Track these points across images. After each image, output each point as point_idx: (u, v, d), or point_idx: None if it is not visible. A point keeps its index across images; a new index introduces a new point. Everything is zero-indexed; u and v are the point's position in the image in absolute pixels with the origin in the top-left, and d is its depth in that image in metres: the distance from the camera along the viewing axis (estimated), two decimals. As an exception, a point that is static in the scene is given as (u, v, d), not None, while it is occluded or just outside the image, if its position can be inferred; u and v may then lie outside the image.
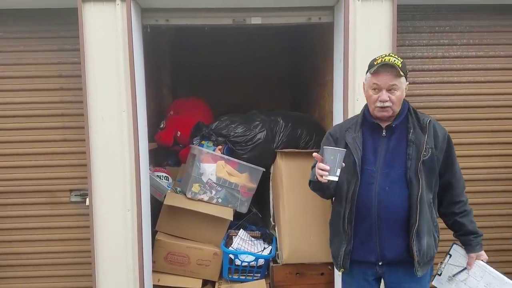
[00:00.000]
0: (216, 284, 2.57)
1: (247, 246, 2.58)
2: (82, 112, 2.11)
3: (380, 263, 1.57)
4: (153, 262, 2.51)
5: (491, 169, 2.51)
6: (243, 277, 2.54)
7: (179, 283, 2.54)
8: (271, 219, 2.76)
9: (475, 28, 2.48)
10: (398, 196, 1.53)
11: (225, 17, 2.26)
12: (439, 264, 1.68)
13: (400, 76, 1.49)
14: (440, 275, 1.66)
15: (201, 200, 2.63)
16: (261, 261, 2.52)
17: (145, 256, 2.20)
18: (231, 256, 2.49)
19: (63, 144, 2.39)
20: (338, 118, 2.27)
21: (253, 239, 2.74)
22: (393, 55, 1.53)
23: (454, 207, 1.61)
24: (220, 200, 2.66)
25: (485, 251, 2.54)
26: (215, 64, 4.04)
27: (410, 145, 1.54)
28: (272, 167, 2.78)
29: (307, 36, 3.50)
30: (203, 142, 2.86)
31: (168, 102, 3.69)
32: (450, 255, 1.65)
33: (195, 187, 2.61)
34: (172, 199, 2.60)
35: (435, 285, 1.65)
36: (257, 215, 2.99)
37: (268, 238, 2.76)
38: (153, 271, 2.48)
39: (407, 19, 2.45)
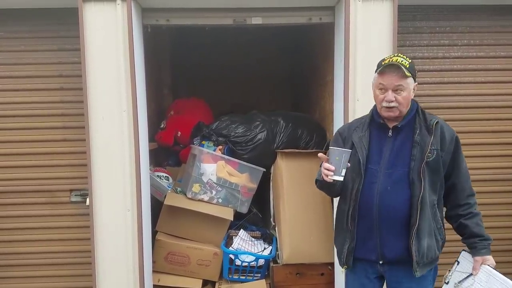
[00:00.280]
0: (216, 284, 2.56)
1: (247, 246, 2.58)
2: (83, 112, 2.11)
3: (380, 262, 1.58)
4: (153, 262, 2.51)
5: (492, 170, 2.52)
6: (243, 277, 2.53)
7: (179, 283, 2.54)
8: (272, 219, 2.76)
9: (476, 29, 2.48)
10: (399, 196, 1.53)
11: (225, 17, 2.26)
12: (447, 273, 1.64)
13: (407, 76, 1.48)
14: (447, 283, 1.62)
15: (201, 200, 2.63)
16: (261, 261, 2.51)
17: (145, 256, 2.20)
18: (231, 256, 2.49)
19: (63, 144, 2.39)
20: (338, 119, 2.27)
21: (253, 239, 2.74)
22: (401, 56, 1.53)
23: (459, 209, 1.59)
24: (220, 200, 2.66)
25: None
26: (215, 64, 4.04)
27: (415, 146, 1.53)
28: (272, 167, 2.78)
29: (307, 36, 3.50)
30: (203, 142, 2.86)
31: (168, 102, 3.69)
32: (458, 262, 1.62)
33: (196, 187, 2.61)
34: (173, 199, 2.60)
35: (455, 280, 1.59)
36: (258, 215, 2.99)
37: (268, 238, 2.76)
38: (153, 271, 2.48)
39: (407, 20, 2.44)
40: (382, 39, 2.13)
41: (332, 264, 2.43)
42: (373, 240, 1.57)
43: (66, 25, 2.30)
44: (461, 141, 2.43)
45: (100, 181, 2.12)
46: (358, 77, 2.12)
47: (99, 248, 2.15)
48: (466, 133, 2.50)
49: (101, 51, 2.08)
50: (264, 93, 4.15)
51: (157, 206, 2.65)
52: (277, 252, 2.56)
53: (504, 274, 2.57)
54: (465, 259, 1.60)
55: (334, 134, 1.79)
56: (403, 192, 1.52)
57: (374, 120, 1.63)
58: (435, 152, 1.51)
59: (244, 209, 2.75)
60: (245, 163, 2.70)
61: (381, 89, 1.53)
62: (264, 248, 2.62)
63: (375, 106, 1.65)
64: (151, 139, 2.82)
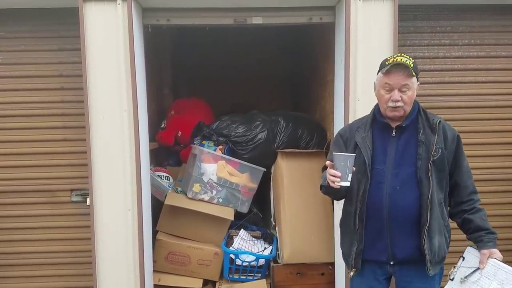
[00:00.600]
0: (217, 284, 2.57)
1: (247, 246, 2.58)
2: (83, 111, 2.11)
3: (391, 263, 1.57)
4: (154, 261, 2.51)
5: (493, 170, 2.51)
6: (244, 277, 2.54)
7: (180, 283, 2.54)
8: (272, 219, 2.76)
9: (477, 28, 2.48)
10: (409, 196, 1.53)
11: (226, 17, 2.25)
12: (451, 269, 1.62)
13: (412, 76, 1.50)
14: (452, 280, 1.58)
15: (201, 200, 2.63)
16: (261, 261, 2.51)
17: (145, 256, 2.20)
18: (232, 256, 2.49)
19: (63, 143, 2.39)
20: (339, 118, 2.26)
21: (253, 239, 2.74)
22: (404, 55, 1.53)
23: (463, 205, 1.60)
24: (220, 200, 2.66)
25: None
26: (216, 64, 4.04)
27: (420, 145, 1.54)
28: (273, 167, 2.78)
29: (308, 36, 3.50)
30: (204, 142, 2.86)
31: (169, 102, 3.69)
32: (463, 258, 1.60)
33: (196, 187, 2.61)
34: (173, 199, 2.60)
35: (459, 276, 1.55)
36: (258, 215, 2.99)
37: (268, 238, 2.76)
38: (154, 271, 2.48)
39: (408, 19, 2.44)
40: (383, 39, 2.13)
41: (332, 264, 2.43)
42: (383, 241, 1.55)
43: (67, 25, 2.30)
44: (462, 140, 2.46)
45: (100, 181, 2.12)
46: (358, 77, 2.12)
47: (100, 248, 2.15)
48: (467, 133, 2.49)
49: (101, 51, 2.08)
50: (265, 93, 4.14)
51: (157, 206, 2.65)
52: (278, 252, 2.56)
53: (505, 274, 2.58)
54: (471, 254, 1.57)
55: (334, 137, 1.77)
56: (412, 192, 1.53)
57: (377, 120, 1.62)
58: (440, 151, 1.53)
59: (244, 209, 2.75)
60: (245, 163, 2.70)
61: (386, 89, 1.52)
62: (265, 248, 2.62)
63: (376, 106, 1.65)
64: (152, 139, 2.82)
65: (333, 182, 1.45)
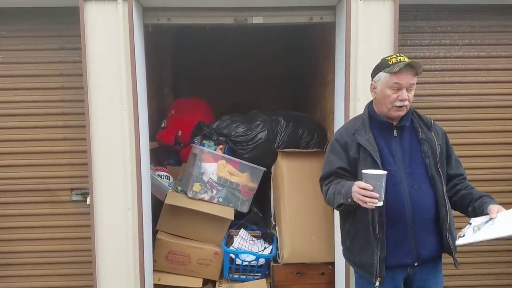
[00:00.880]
0: (217, 284, 2.57)
1: (247, 246, 2.58)
2: (83, 111, 2.11)
3: (415, 264, 1.56)
4: (154, 261, 2.51)
5: (494, 170, 2.51)
6: (244, 277, 2.54)
7: (180, 282, 2.54)
8: (272, 218, 2.76)
9: (477, 28, 2.47)
10: (426, 194, 1.55)
11: (226, 17, 2.25)
12: (459, 233, 1.55)
13: (416, 75, 1.53)
14: (463, 236, 1.51)
15: (202, 200, 2.63)
16: (261, 261, 2.51)
17: (145, 255, 2.20)
18: (232, 255, 2.49)
19: (64, 143, 2.39)
20: (339, 118, 2.26)
21: (254, 238, 2.74)
22: (404, 55, 1.56)
23: (458, 186, 1.63)
24: (221, 200, 2.66)
25: (489, 251, 2.54)
26: (216, 64, 4.04)
27: (423, 143, 1.58)
28: (273, 167, 2.78)
29: (308, 35, 3.49)
30: (204, 141, 2.86)
31: (169, 102, 3.69)
32: (470, 223, 1.54)
33: (196, 187, 2.61)
34: (173, 198, 2.60)
35: (460, 244, 1.48)
36: (258, 215, 2.99)
37: (268, 237, 2.76)
38: (154, 270, 2.48)
39: (409, 19, 2.44)
40: (383, 39, 2.13)
41: (332, 264, 2.43)
42: (408, 243, 1.52)
43: (67, 24, 2.30)
44: (462, 140, 2.48)
45: (100, 180, 2.12)
46: (359, 77, 2.11)
47: (100, 247, 2.15)
48: (467, 133, 2.49)
49: (102, 50, 2.08)
50: (265, 93, 4.14)
51: (157, 205, 2.65)
52: (278, 252, 2.56)
53: (504, 274, 2.58)
54: (477, 219, 1.51)
55: (330, 144, 1.68)
56: (428, 189, 1.55)
57: (376, 120, 1.61)
58: (439, 147, 1.58)
59: (244, 209, 2.75)
60: (245, 162, 2.70)
61: (395, 88, 1.52)
62: (265, 248, 2.62)
63: (370, 106, 1.65)
64: (152, 138, 2.82)
65: (366, 202, 1.36)
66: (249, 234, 2.75)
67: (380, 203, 1.38)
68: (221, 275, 2.59)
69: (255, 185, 2.74)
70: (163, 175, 2.91)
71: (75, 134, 2.36)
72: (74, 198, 2.41)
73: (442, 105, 2.47)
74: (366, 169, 1.48)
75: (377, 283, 1.52)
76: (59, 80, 2.37)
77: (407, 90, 1.52)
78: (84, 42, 2.06)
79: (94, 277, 2.15)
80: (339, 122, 2.26)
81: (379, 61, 1.63)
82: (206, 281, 2.61)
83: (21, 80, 2.37)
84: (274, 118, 2.83)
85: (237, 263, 2.48)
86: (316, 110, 3.19)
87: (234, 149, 2.75)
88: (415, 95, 2.40)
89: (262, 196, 2.90)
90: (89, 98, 2.09)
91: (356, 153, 1.56)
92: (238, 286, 2.51)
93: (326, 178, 1.63)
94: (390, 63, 1.52)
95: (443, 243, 1.57)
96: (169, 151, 3.30)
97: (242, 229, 2.75)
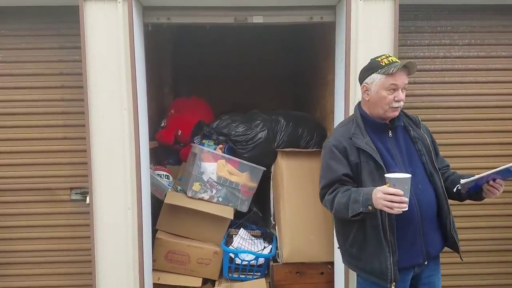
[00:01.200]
0: (216, 283, 2.57)
1: (247, 245, 2.59)
2: (83, 110, 2.11)
3: (426, 262, 1.56)
4: (153, 260, 2.51)
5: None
6: (243, 276, 2.54)
7: (179, 282, 2.54)
8: (272, 218, 2.76)
9: (477, 29, 2.48)
10: (429, 192, 1.55)
11: (226, 16, 2.25)
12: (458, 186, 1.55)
13: (409, 75, 1.55)
14: (461, 184, 1.51)
15: (201, 199, 2.63)
16: (261, 260, 2.52)
17: (145, 255, 2.20)
18: (231, 255, 2.49)
19: (63, 142, 2.39)
20: (339, 118, 2.26)
21: (253, 238, 2.74)
22: (391, 55, 1.58)
23: (445, 174, 1.66)
24: (220, 199, 2.66)
25: (485, 251, 2.54)
26: (216, 63, 4.04)
27: (417, 142, 1.60)
28: (273, 166, 2.78)
29: (308, 35, 3.49)
30: (204, 141, 2.86)
31: (169, 101, 3.69)
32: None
33: (196, 186, 2.61)
34: (173, 198, 2.60)
35: (465, 181, 1.47)
36: (258, 214, 2.99)
37: (268, 237, 2.76)
38: (153, 270, 2.48)
39: (409, 19, 2.44)
40: (383, 39, 2.13)
41: (332, 263, 2.43)
42: (419, 243, 1.52)
43: (67, 23, 2.29)
44: (462, 140, 2.50)
45: (100, 180, 2.12)
46: (359, 77, 2.11)
47: (99, 247, 2.15)
48: (467, 133, 2.50)
49: (101, 49, 2.08)
50: (265, 92, 4.14)
51: (157, 204, 2.65)
52: (277, 251, 2.56)
53: (503, 274, 2.58)
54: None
55: (328, 151, 1.60)
56: (429, 187, 1.56)
57: (370, 121, 1.59)
58: (431, 144, 1.61)
59: (244, 208, 2.75)
60: (245, 162, 2.70)
61: (391, 89, 1.51)
62: (264, 247, 2.62)
63: (360, 108, 1.64)
64: (152, 137, 2.82)
65: (392, 208, 1.32)
66: (249, 234, 2.75)
67: (406, 207, 1.34)
68: (221, 275, 2.59)
69: (254, 185, 2.74)
70: (163, 174, 2.91)
71: (75, 133, 2.35)
72: (74, 197, 2.41)
73: (442, 105, 2.47)
74: (368, 173, 1.48)
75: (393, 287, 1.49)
76: (59, 79, 2.37)
77: (402, 90, 1.54)
78: (84, 41, 2.06)
79: (93, 276, 2.15)
80: (339, 122, 2.26)
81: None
82: (205, 281, 2.61)
83: (21, 79, 2.37)
84: (274, 117, 2.83)
85: (236, 262, 2.49)
86: (316, 109, 3.19)
87: (233, 149, 2.75)
88: (415, 95, 2.45)
89: (262, 195, 2.90)
90: (89, 97, 2.09)
91: (357, 157, 1.53)
92: (237, 286, 2.51)
93: (329, 186, 1.56)
94: (383, 64, 1.52)
95: (448, 238, 1.59)
96: (169, 151, 3.30)
97: (241, 228, 2.75)
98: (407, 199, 1.33)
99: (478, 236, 2.52)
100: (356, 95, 2.12)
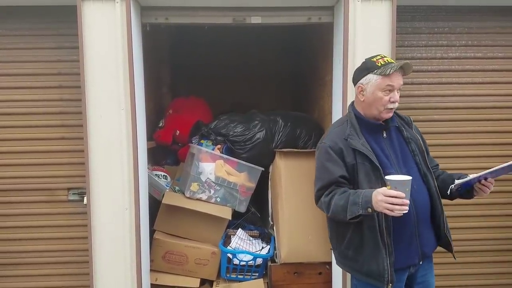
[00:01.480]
0: (214, 283, 2.56)
1: (245, 246, 2.59)
2: (81, 110, 2.11)
3: (421, 262, 1.57)
4: (151, 261, 2.50)
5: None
6: (241, 276, 2.54)
7: (177, 282, 2.54)
8: (270, 218, 2.76)
9: (474, 30, 2.49)
10: (423, 192, 1.56)
11: (225, 16, 2.25)
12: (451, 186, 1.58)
13: (404, 75, 1.55)
14: (456, 182, 1.54)
15: (199, 199, 2.63)
16: (259, 261, 2.52)
17: (143, 255, 2.20)
18: (229, 255, 2.49)
19: (61, 142, 2.38)
20: (337, 118, 2.26)
21: (251, 238, 2.74)
22: (386, 55, 1.58)
23: (436, 173, 1.65)
24: (218, 200, 2.66)
25: (484, 251, 2.55)
26: (215, 63, 4.03)
27: (410, 142, 1.61)
28: (271, 166, 2.78)
29: (307, 36, 3.50)
30: (202, 141, 2.86)
31: (167, 101, 3.68)
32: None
33: (194, 186, 2.61)
34: (171, 198, 2.60)
35: (459, 183, 1.50)
36: (256, 215, 2.99)
37: (266, 237, 2.76)
38: (151, 270, 2.48)
39: (406, 20, 2.45)
40: (381, 39, 2.13)
41: (330, 264, 2.43)
42: (414, 243, 1.53)
43: (65, 23, 2.29)
44: (459, 141, 2.50)
45: (98, 180, 2.12)
46: (356, 77, 2.12)
47: (97, 247, 2.14)
48: (465, 133, 2.51)
49: (99, 49, 2.08)
50: (264, 93, 4.14)
51: (155, 205, 2.65)
52: (275, 251, 2.56)
53: (503, 274, 2.59)
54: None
55: (324, 152, 1.57)
56: (423, 187, 1.56)
57: (365, 122, 1.58)
58: (424, 144, 1.62)
59: (242, 208, 2.75)
60: (243, 162, 2.70)
61: (387, 90, 1.51)
62: (262, 247, 2.62)
63: (354, 109, 1.63)
64: (150, 137, 2.81)
65: (393, 210, 1.31)
66: (247, 234, 2.75)
67: (407, 210, 1.34)
68: (219, 275, 2.59)
69: (253, 185, 2.74)
70: (161, 174, 2.91)
71: (73, 133, 2.35)
72: (71, 197, 2.41)
73: (439, 105, 2.49)
74: (365, 175, 1.48)
75: None
76: (57, 79, 2.37)
77: (396, 91, 1.53)
78: (82, 41, 2.06)
79: (91, 277, 2.15)
80: (336, 122, 2.26)
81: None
82: (203, 281, 2.60)
83: (19, 79, 2.37)
84: (272, 118, 2.84)
85: (234, 263, 2.48)
86: (314, 110, 3.20)
87: (232, 149, 2.75)
88: (412, 96, 2.45)
89: (260, 196, 2.90)
90: (87, 97, 2.09)
91: (353, 159, 1.52)
92: (235, 286, 2.51)
93: (325, 188, 1.54)
94: (379, 64, 1.51)
95: (441, 237, 1.59)
96: (167, 151, 3.29)
97: (239, 229, 2.75)
98: (408, 202, 1.32)
99: (473, 236, 2.54)
100: (354, 96, 2.13)
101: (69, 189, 2.40)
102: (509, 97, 2.51)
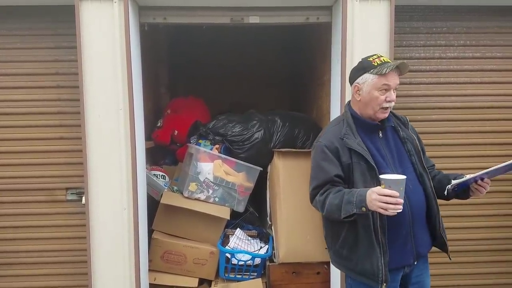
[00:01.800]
0: (213, 283, 2.57)
1: (243, 245, 2.59)
2: (79, 110, 2.11)
3: (415, 263, 1.57)
4: (150, 261, 2.51)
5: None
6: (240, 276, 2.54)
7: (176, 282, 2.54)
8: (268, 218, 2.76)
9: (472, 29, 2.49)
10: (419, 192, 1.56)
11: (223, 16, 2.25)
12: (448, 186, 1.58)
13: (400, 75, 1.55)
14: (452, 183, 1.54)
15: (198, 199, 2.63)
16: (257, 260, 2.52)
17: (141, 255, 2.20)
18: (228, 255, 2.49)
19: (59, 142, 2.38)
20: (335, 118, 2.27)
21: (249, 238, 2.74)
22: (383, 55, 1.58)
23: (432, 173, 1.65)
24: (217, 199, 2.66)
25: (484, 251, 2.55)
26: (213, 63, 4.04)
27: (406, 142, 1.60)
28: (269, 166, 2.78)
29: (305, 36, 3.50)
30: (200, 141, 2.86)
31: (165, 101, 3.68)
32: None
33: (192, 186, 2.61)
34: (169, 198, 2.60)
35: (456, 183, 1.50)
36: (254, 214, 2.99)
37: (264, 237, 2.77)
38: (149, 270, 2.48)
39: (404, 20, 2.45)
40: (379, 39, 2.14)
41: (328, 263, 2.44)
42: (409, 244, 1.52)
43: (63, 22, 2.29)
44: (458, 141, 2.51)
45: (96, 180, 2.12)
46: (355, 77, 2.12)
47: (95, 247, 2.14)
48: (462, 133, 2.51)
49: (97, 49, 2.08)
50: (263, 93, 4.14)
51: (153, 205, 2.65)
52: (274, 251, 2.56)
53: (503, 273, 2.60)
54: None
55: (320, 151, 1.57)
56: (419, 187, 1.57)
57: (361, 122, 1.58)
58: (418, 143, 1.62)
59: (240, 208, 2.75)
60: (242, 162, 2.70)
61: (383, 90, 1.51)
62: (261, 247, 2.62)
63: (350, 109, 1.63)
64: (148, 137, 2.81)
65: (387, 209, 1.31)
66: (245, 234, 2.75)
67: (401, 209, 1.33)
68: (217, 275, 2.59)
69: (251, 185, 2.75)
70: (159, 174, 2.91)
71: (71, 133, 2.35)
72: (69, 197, 2.40)
73: (437, 105, 2.49)
74: (360, 174, 1.47)
75: None
76: (55, 79, 2.37)
77: (392, 90, 1.53)
78: (80, 41, 2.06)
79: (89, 276, 2.15)
80: (335, 122, 2.26)
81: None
82: (201, 281, 2.61)
83: (17, 79, 2.37)
84: (270, 117, 2.84)
85: (233, 262, 2.49)
86: (312, 110, 3.20)
87: (230, 149, 2.75)
88: (410, 96, 2.45)
89: (258, 195, 2.90)
90: (85, 97, 2.09)
91: (349, 158, 1.51)
92: (233, 286, 2.51)
93: (320, 187, 1.54)
94: (375, 64, 1.51)
95: (436, 237, 1.60)
96: (165, 151, 3.29)
97: (238, 228, 2.75)
98: (402, 201, 1.32)
99: (469, 236, 2.54)
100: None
101: (67, 189, 2.40)
102: (507, 97, 2.51)
